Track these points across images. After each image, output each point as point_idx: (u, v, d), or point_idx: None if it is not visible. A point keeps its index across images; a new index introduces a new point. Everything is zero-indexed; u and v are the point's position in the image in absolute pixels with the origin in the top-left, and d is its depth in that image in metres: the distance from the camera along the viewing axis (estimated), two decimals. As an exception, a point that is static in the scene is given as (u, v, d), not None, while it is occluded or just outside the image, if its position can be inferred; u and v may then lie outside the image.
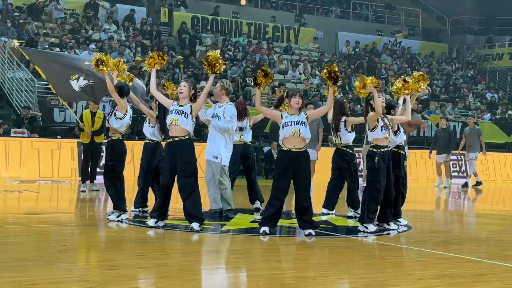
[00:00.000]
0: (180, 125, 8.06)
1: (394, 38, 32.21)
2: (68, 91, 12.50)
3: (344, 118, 9.99)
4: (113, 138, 8.96)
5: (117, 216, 8.79)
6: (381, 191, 8.39)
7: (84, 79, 12.28)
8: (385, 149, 8.47)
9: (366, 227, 8.40)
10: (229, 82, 10.33)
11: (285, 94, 8.38)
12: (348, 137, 10.02)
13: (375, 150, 8.42)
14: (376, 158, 8.35)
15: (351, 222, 9.62)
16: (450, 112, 25.89)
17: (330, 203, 10.36)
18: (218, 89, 9.72)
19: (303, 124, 7.94)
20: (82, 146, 13.44)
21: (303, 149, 7.97)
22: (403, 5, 35.01)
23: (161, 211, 8.25)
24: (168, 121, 8.17)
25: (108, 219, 8.84)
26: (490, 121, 25.65)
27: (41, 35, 21.52)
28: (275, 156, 8.28)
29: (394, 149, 8.92)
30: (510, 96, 30.86)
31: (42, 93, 18.90)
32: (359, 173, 11.79)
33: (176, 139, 8.08)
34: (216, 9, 28.87)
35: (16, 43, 13.50)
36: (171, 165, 8.09)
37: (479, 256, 7.18)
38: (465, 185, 18.63)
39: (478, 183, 18.69)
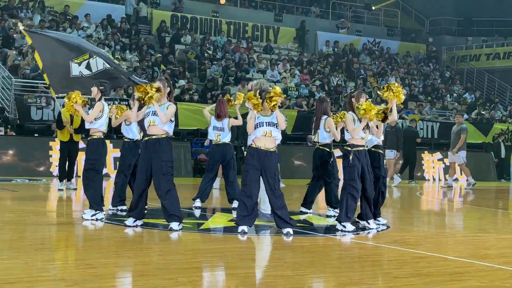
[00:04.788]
0: (158, 126, 8.03)
1: (373, 39, 32.37)
2: (63, 81, 11.50)
3: (325, 117, 10.01)
4: (94, 137, 8.92)
5: (92, 215, 8.73)
6: (358, 189, 8.44)
7: (98, 61, 11.18)
8: (360, 148, 8.53)
9: (344, 226, 8.43)
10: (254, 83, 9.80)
11: (257, 93, 8.23)
12: (325, 136, 10.05)
13: (349, 148, 8.48)
14: (351, 156, 8.41)
15: (329, 221, 9.66)
16: (428, 112, 26.10)
17: (308, 202, 10.40)
18: None
19: (274, 125, 7.99)
20: (60, 144, 13.31)
21: (272, 149, 8.02)
22: (381, 6, 35.20)
23: (138, 210, 8.21)
24: (146, 123, 8.13)
25: (82, 217, 8.78)
26: (467, 121, 25.90)
27: (18, 32, 21.31)
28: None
29: (372, 149, 8.98)
30: (486, 97, 31.17)
31: (19, 91, 18.71)
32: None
33: (153, 137, 8.05)
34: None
35: (20, 26, 12.57)
36: (147, 163, 8.06)
37: (455, 255, 7.24)
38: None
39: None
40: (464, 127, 18.65)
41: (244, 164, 8.22)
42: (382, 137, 9.21)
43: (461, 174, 20.63)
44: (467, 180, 19.02)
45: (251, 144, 8.09)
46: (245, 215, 7.98)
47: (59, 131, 13.21)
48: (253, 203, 8.05)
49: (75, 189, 13.07)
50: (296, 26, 30.63)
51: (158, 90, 7.94)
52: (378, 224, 9.08)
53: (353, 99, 8.63)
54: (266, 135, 7.98)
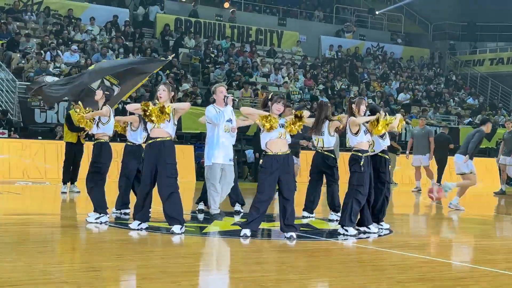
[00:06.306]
0: (162, 128, 8.03)
1: (377, 43, 32.36)
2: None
3: (327, 121, 9.99)
4: (101, 140, 8.91)
5: (96, 218, 8.72)
6: (364, 195, 8.45)
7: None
8: (368, 154, 8.54)
9: (346, 230, 8.42)
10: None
11: (269, 96, 8.26)
12: (330, 140, 10.03)
13: (360, 154, 8.46)
14: (362, 162, 8.40)
15: (332, 225, 9.65)
16: (431, 116, 26.07)
17: (310, 206, 10.38)
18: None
19: (284, 127, 7.98)
20: (66, 146, 13.19)
21: (288, 152, 7.99)
22: (385, 10, 35.19)
23: (143, 213, 8.21)
24: (149, 126, 8.12)
25: (86, 220, 8.77)
26: (471, 126, 25.83)
27: (22, 35, 21.39)
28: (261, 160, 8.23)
29: (379, 154, 8.98)
30: (490, 102, 31.14)
31: (22, 94, 18.74)
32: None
33: (158, 139, 8.06)
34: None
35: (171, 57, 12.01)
36: (152, 166, 8.06)
37: (458, 260, 7.22)
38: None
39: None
40: (431, 130, 18.40)
41: (261, 172, 7.98)
42: (388, 142, 9.20)
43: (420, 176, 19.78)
44: (418, 185, 18.41)
45: (267, 152, 7.93)
46: (255, 218, 7.96)
47: (69, 132, 13.02)
48: (266, 208, 8.08)
49: (79, 192, 13.06)
50: (300, 31, 30.65)
51: (161, 110, 7.91)
52: (381, 228, 9.07)
53: (353, 105, 8.64)
54: (281, 137, 7.92)
